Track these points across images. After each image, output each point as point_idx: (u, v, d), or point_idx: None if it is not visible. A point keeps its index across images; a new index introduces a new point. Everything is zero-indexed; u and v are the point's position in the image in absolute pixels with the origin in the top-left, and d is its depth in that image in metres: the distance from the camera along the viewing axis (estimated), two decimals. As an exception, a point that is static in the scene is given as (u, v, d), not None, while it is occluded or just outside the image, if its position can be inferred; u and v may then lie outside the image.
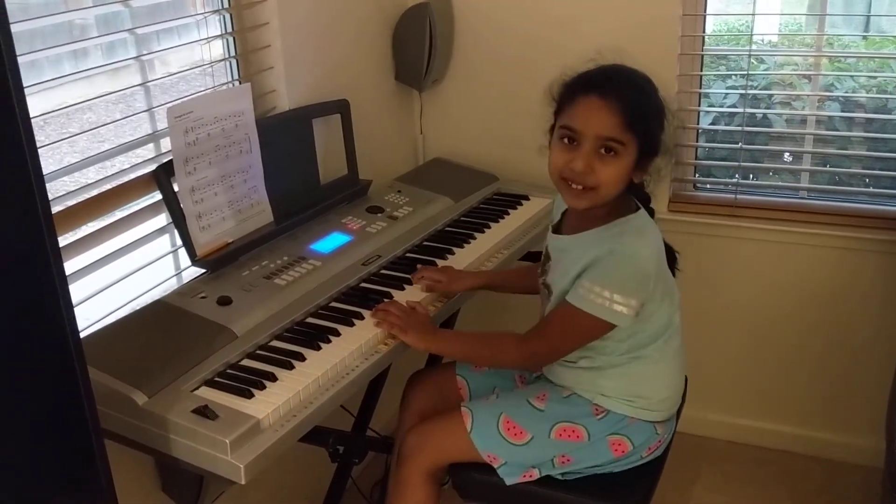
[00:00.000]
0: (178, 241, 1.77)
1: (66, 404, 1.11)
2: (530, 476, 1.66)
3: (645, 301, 1.57)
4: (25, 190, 0.99)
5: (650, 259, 1.58)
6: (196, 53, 1.93)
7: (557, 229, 1.74)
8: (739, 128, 2.52)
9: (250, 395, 1.41)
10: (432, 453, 1.70)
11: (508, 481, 1.66)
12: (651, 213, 1.69)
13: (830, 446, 2.59)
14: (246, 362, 1.53)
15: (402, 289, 1.82)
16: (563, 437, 1.65)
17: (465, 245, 2.06)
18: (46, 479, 1.11)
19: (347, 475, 2.03)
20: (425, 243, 2.07)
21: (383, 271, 1.91)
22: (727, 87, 2.67)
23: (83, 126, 1.68)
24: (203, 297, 1.67)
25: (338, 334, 1.62)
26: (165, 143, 1.79)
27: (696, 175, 2.64)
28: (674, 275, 1.72)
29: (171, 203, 1.71)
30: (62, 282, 1.05)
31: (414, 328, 1.65)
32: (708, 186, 2.65)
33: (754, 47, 2.54)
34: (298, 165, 2.04)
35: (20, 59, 0.93)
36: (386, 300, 1.75)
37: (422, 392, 1.93)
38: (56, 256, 1.04)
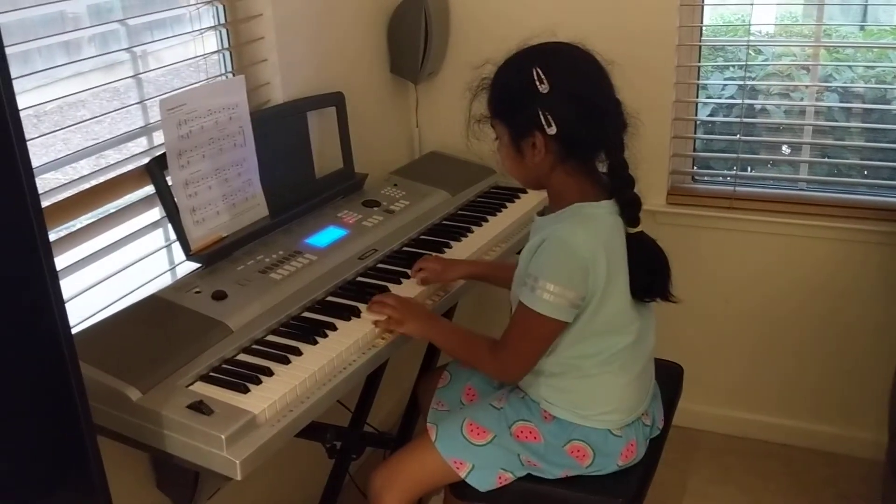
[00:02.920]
0: (172, 236, 1.75)
1: (57, 402, 1.09)
2: (504, 480, 1.61)
3: (585, 295, 1.49)
4: (15, 185, 0.97)
5: (585, 247, 1.48)
6: (189, 46, 1.91)
7: (543, 212, 1.71)
8: (738, 119, 2.51)
9: (246, 390, 1.40)
10: (404, 487, 1.65)
11: (482, 488, 1.61)
12: (629, 201, 1.53)
13: (833, 439, 2.58)
14: (241, 357, 1.52)
15: (399, 283, 1.81)
16: (522, 437, 1.61)
17: (462, 239, 2.05)
18: (39, 478, 1.09)
19: (345, 471, 2.02)
20: (422, 237, 2.05)
21: (380, 265, 1.89)
22: (725, 79, 2.66)
23: (78, 125, 1.65)
24: (197, 292, 1.65)
25: (335, 328, 1.61)
26: (158, 137, 1.77)
27: (695, 167, 2.63)
28: (668, 289, 1.59)
29: (165, 197, 1.69)
30: (53, 278, 1.03)
31: (410, 318, 1.63)
32: (706, 179, 2.63)
33: (752, 38, 2.52)
34: (293, 159, 2.02)
35: (9, 51, 0.91)
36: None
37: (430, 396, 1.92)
38: (47, 253, 1.02)
